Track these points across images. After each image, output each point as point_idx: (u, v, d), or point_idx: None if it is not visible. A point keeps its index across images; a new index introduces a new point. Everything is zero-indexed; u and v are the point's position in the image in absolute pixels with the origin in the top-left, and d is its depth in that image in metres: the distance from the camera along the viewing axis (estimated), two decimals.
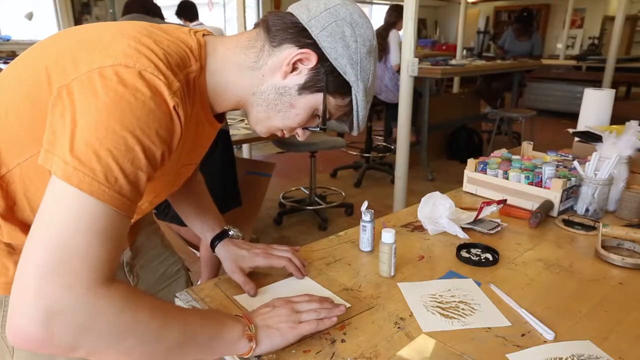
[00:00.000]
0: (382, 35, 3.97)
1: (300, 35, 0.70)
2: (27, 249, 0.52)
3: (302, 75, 0.71)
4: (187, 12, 4.01)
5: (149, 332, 0.56)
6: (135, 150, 0.56)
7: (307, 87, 0.72)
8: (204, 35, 0.73)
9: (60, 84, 0.58)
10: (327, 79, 0.71)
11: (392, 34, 3.95)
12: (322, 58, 0.70)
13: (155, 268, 0.98)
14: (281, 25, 0.71)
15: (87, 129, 0.54)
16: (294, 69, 0.71)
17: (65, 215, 0.52)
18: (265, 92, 0.73)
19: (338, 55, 0.70)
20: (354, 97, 0.74)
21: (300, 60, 0.70)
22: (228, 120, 2.26)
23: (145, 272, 0.95)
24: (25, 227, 0.70)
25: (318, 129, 0.78)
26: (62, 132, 0.55)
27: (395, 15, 3.99)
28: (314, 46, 0.70)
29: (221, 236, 0.95)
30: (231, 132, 2.24)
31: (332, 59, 0.70)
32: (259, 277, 0.91)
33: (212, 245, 0.94)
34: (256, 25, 0.75)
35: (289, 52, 0.70)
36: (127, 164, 0.56)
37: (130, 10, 2.35)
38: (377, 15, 10.35)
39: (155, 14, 2.41)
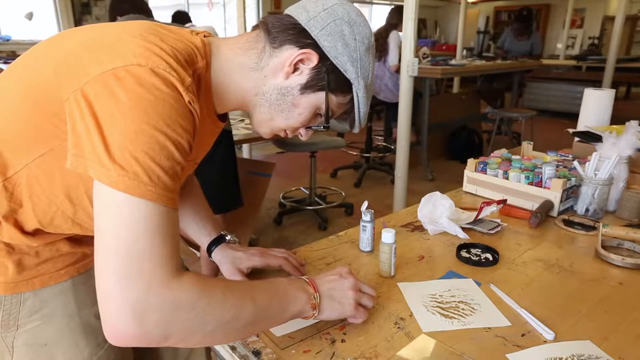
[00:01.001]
0: (383, 35, 3.98)
1: (300, 36, 0.71)
2: (99, 262, 0.56)
3: (303, 75, 0.72)
4: (181, 17, 4.05)
5: (226, 313, 0.59)
6: (167, 146, 0.58)
7: (309, 87, 0.73)
8: (205, 36, 0.74)
9: (73, 87, 0.59)
10: (329, 77, 0.72)
11: (393, 35, 3.95)
12: (322, 57, 0.71)
13: None
14: (281, 27, 0.72)
15: (117, 133, 0.55)
16: (295, 69, 0.72)
17: (122, 222, 0.55)
18: (268, 92, 0.74)
19: (338, 53, 0.71)
20: (355, 94, 0.75)
21: (301, 60, 0.71)
22: (230, 120, 2.26)
23: None
24: (26, 229, 0.71)
25: (321, 127, 0.78)
26: (88, 136, 0.56)
27: (397, 17, 3.98)
28: (314, 46, 0.71)
29: (218, 241, 0.95)
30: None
31: (332, 57, 0.71)
32: (258, 277, 0.91)
33: (209, 250, 0.95)
34: (255, 27, 0.76)
35: (290, 52, 0.71)
36: (164, 161, 0.57)
37: (120, 11, 2.36)
38: (377, 16, 10.35)
39: (147, 13, 2.41)
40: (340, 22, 0.71)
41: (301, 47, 0.71)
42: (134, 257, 0.54)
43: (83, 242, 0.80)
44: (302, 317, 0.70)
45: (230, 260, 0.92)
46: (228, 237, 0.97)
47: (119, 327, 0.54)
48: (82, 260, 0.80)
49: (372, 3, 10.69)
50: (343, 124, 0.83)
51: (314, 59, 0.71)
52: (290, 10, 0.74)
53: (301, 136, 0.80)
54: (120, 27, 0.66)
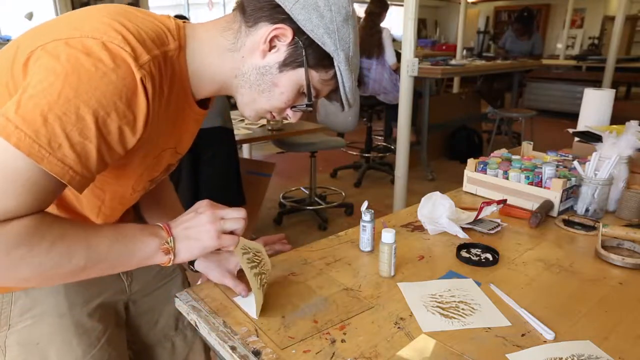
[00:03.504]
0: (378, 30, 3.97)
1: (275, 12, 0.69)
2: None
3: (280, 52, 0.70)
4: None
5: (47, 262, 0.59)
6: (86, 121, 0.56)
7: (287, 64, 0.71)
8: (184, 22, 0.73)
9: (27, 52, 0.58)
10: (306, 52, 0.70)
11: (386, 33, 3.95)
12: (298, 31, 0.69)
13: (150, 267, 0.98)
14: (255, 5, 0.70)
15: (40, 90, 0.55)
16: (271, 47, 0.70)
17: None
18: (247, 73, 0.72)
19: (313, 26, 0.69)
20: (336, 67, 0.72)
21: (276, 36, 0.69)
22: (231, 119, 2.26)
23: (140, 271, 0.94)
24: None
25: (305, 106, 0.76)
26: (17, 93, 0.56)
27: (379, 6, 3.98)
28: (289, 21, 0.69)
29: None
30: None
31: (308, 30, 0.69)
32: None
33: (191, 262, 0.91)
34: (233, 9, 0.74)
35: (265, 30, 0.69)
36: (75, 133, 0.56)
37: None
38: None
39: None
40: None
41: (274, 23, 0.69)
42: None
43: None
44: (157, 263, 0.69)
45: (216, 265, 0.89)
46: None
47: None
48: None
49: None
50: (334, 104, 0.81)
51: (288, 34, 0.69)
52: None
53: (289, 118, 0.78)
54: (95, 8, 0.65)
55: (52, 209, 0.71)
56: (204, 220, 0.70)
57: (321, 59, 0.71)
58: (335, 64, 0.72)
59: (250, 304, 0.80)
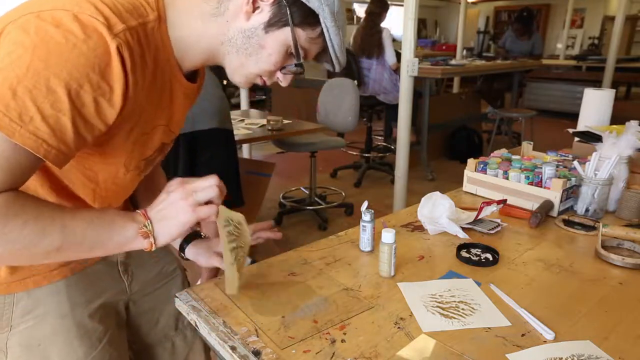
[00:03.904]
0: (378, 30, 3.96)
1: None
2: None
3: (264, 13, 0.69)
4: None
5: (21, 239, 0.58)
6: (57, 93, 0.55)
7: (272, 24, 0.70)
8: None
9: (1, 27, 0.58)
10: (291, 10, 0.69)
11: (386, 33, 3.95)
12: None
13: (150, 267, 0.98)
14: None
15: (8, 63, 0.54)
16: (255, 7, 0.69)
17: None
18: (233, 38, 0.71)
19: None
20: (322, 24, 0.71)
21: None
22: (231, 119, 2.26)
23: (140, 271, 0.95)
24: None
25: (295, 66, 0.75)
26: None
27: (379, 6, 3.97)
28: None
29: (190, 238, 0.94)
30: None
31: None
32: (257, 281, 0.91)
33: (182, 248, 0.92)
34: None
35: None
36: (46, 106, 0.55)
37: None
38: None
39: None
40: None
41: None
42: None
43: None
44: (139, 247, 0.68)
45: (204, 250, 0.90)
46: (203, 234, 0.95)
47: None
48: (76, 260, 0.80)
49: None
50: (325, 65, 0.80)
51: None
52: None
53: (280, 82, 0.77)
54: None
55: (47, 193, 0.71)
56: (176, 197, 0.68)
57: (306, 16, 0.70)
58: (321, 20, 0.70)
59: (226, 279, 0.81)
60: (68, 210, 0.65)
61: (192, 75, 0.79)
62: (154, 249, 0.68)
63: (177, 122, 0.83)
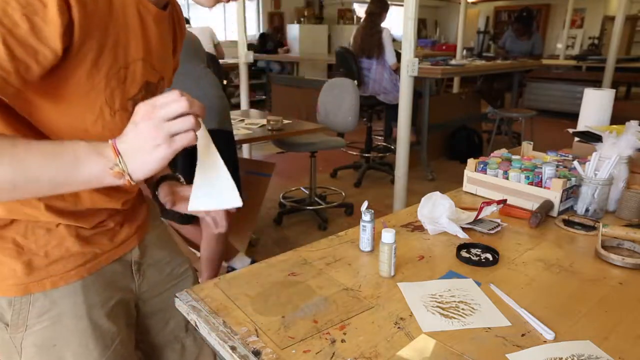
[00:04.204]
0: (378, 30, 3.96)
1: None
2: None
3: None
4: None
5: None
6: None
7: None
8: None
9: None
10: None
11: (386, 33, 3.95)
12: None
13: (162, 267, 0.98)
14: None
15: None
16: None
17: None
18: None
19: None
20: None
21: None
22: (231, 120, 2.26)
23: (152, 271, 0.95)
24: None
25: None
26: None
27: (379, 7, 3.97)
28: None
29: (164, 179, 0.93)
30: None
31: None
32: (257, 281, 0.91)
33: (154, 190, 0.90)
34: None
35: None
36: None
37: None
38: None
39: None
40: None
41: None
42: None
43: (93, 241, 0.80)
44: (112, 184, 0.61)
45: (169, 189, 0.90)
46: (181, 179, 0.95)
47: None
48: (93, 260, 0.80)
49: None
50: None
51: None
52: None
53: None
54: None
55: None
56: (145, 131, 0.59)
57: None
58: None
59: (218, 194, 0.75)
60: (22, 140, 0.59)
61: (163, 7, 0.76)
62: (131, 184, 0.62)
63: (158, 58, 0.79)
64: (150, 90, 0.79)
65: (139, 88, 0.76)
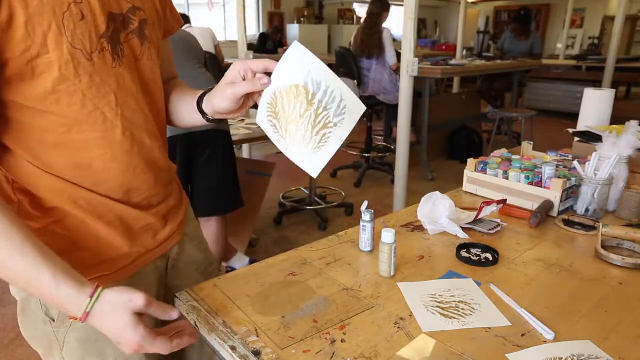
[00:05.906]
0: (379, 30, 3.97)
1: None
2: None
3: None
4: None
5: None
6: None
7: None
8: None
9: None
10: None
11: (386, 33, 3.95)
12: None
13: (196, 265, 0.98)
14: None
15: None
16: None
17: None
18: None
19: None
20: None
21: None
22: (228, 121, 2.26)
23: (186, 268, 0.95)
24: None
25: None
26: None
27: (379, 7, 3.97)
28: None
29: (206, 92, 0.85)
30: (231, 132, 2.24)
31: None
32: (257, 281, 0.91)
33: (200, 106, 0.84)
34: None
35: None
36: None
37: None
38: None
39: None
40: None
41: None
42: None
43: (136, 239, 0.81)
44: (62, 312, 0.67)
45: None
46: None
47: None
48: (137, 260, 0.81)
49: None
50: None
51: None
52: None
53: None
54: None
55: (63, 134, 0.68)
56: (125, 346, 0.66)
57: None
58: None
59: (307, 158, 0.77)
60: (7, 218, 0.61)
61: None
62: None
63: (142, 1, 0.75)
64: (117, 22, 0.71)
65: (106, 22, 0.69)
